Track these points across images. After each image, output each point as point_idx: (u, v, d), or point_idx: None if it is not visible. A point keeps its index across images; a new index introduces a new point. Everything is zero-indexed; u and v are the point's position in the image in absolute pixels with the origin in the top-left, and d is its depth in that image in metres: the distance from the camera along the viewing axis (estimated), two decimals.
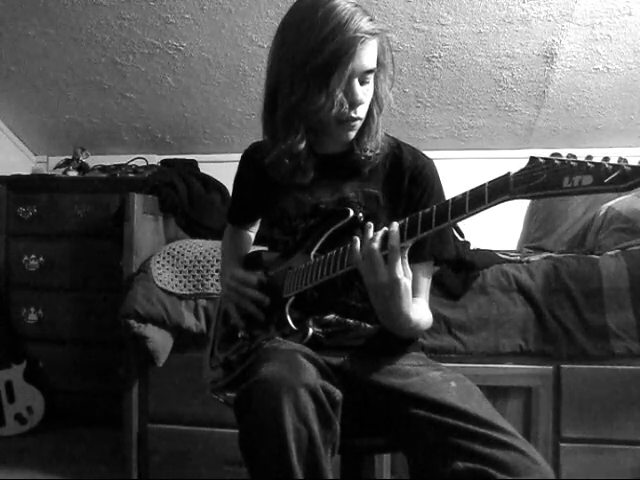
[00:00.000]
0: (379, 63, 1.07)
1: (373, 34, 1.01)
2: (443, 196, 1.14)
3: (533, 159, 0.78)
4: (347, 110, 1.04)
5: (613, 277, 1.73)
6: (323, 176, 1.14)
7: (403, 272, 0.91)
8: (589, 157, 0.73)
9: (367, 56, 1.02)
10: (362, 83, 1.05)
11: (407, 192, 1.13)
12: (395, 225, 0.91)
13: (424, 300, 1.16)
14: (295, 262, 1.10)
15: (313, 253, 1.08)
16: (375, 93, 1.09)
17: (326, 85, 1.00)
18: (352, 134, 1.10)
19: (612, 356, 1.71)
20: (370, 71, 1.04)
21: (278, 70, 1.07)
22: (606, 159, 0.71)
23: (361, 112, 1.07)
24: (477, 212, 0.83)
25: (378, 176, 1.15)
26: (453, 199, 0.87)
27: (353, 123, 1.07)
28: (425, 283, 1.17)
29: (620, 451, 1.72)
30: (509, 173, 0.80)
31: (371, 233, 0.93)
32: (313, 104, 1.02)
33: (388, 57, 1.09)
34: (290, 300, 1.06)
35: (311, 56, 1.00)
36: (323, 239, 1.08)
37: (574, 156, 0.74)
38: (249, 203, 1.30)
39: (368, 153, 1.11)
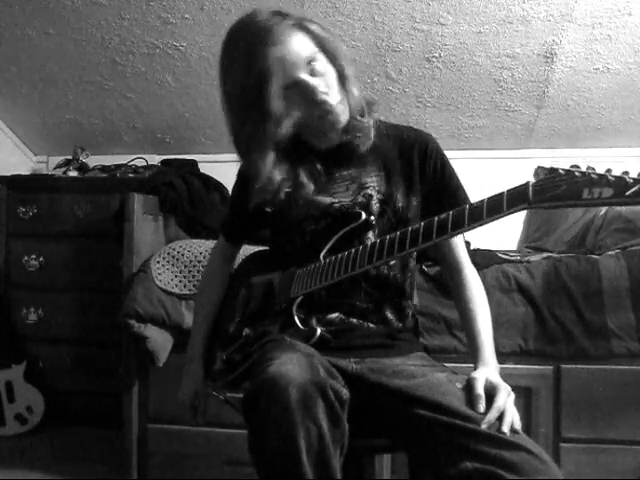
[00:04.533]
0: (318, 42, 1.05)
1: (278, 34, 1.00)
2: (452, 166, 1.17)
3: (553, 170, 0.78)
4: (316, 107, 1.04)
5: (613, 277, 1.73)
6: (333, 170, 1.15)
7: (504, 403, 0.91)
8: (609, 170, 0.74)
9: (290, 60, 1.01)
10: (314, 74, 1.03)
11: (420, 164, 1.15)
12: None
13: (469, 266, 1.16)
14: (303, 263, 1.09)
15: (323, 254, 1.07)
16: (336, 68, 1.07)
17: (262, 114, 1.02)
18: (340, 119, 1.07)
19: (612, 356, 1.71)
20: (310, 60, 1.03)
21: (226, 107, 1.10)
22: (626, 173, 0.72)
23: (332, 98, 1.05)
24: (494, 219, 0.84)
25: (385, 155, 1.15)
26: (470, 205, 0.87)
27: (333, 112, 1.05)
28: (464, 251, 1.17)
29: (620, 451, 1.72)
30: (528, 182, 0.81)
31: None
32: (256, 134, 1.05)
33: (321, 30, 1.07)
34: (298, 300, 1.06)
35: (236, 100, 1.05)
36: (333, 241, 1.08)
37: (593, 169, 0.75)
38: (249, 215, 1.24)
39: (360, 122, 1.09)
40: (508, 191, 0.83)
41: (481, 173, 2.64)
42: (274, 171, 1.08)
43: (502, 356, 1.75)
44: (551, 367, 1.75)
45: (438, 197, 1.15)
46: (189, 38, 2.28)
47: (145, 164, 2.73)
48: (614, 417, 1.72)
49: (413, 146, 1.15)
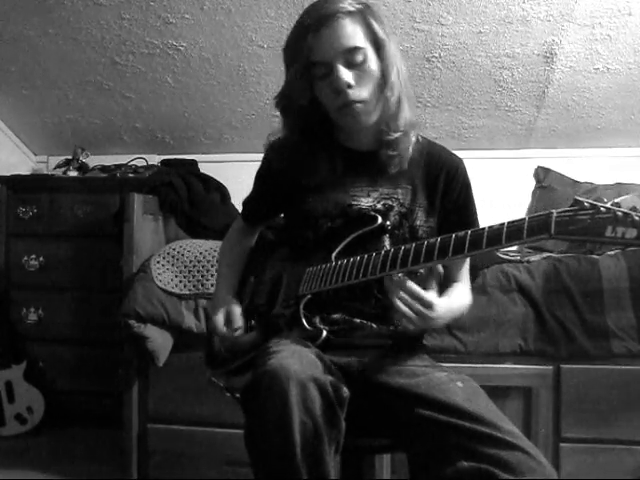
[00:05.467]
0: (371, 39, 1.04)
1: (331, 15, 1.01)
2: (473, 195, 1.19)
3: (577, 202, 0.77)
4: (337, 97, 1.04)
5: (613, 277, 1.73)
6: (358, 172, 1.14)
7: (437, 312, 0.96)
8: (634, 209, 0.73)
9: (333, 38, 1.01)
10: (350, 66, 1.03)
11: (444, 188, 1.15)
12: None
13: (465, 284, 1.19)
14: (314, 260, 1.09)
15: (334, 254, 1.07)
16: (382, 71, 1.05)
17: (289, 78, 1.07)
18: (360, 119, 1.07)
19: (612, 356, 1.71)
20: (353, 49, 1.02)
21: None
22: None
23: (355, 94, 1.04)
24: (513, 245, 0.84)
25: (414, 172, 1.15)
26: (490, 228, 0.86)
27: (351, 107, 1.05)
28: (465, 269, 1.20)
29: (620, 451, 1.72)
30: (552, 213, 0.80)
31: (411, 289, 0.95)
32: (282, 96, 1.10)
33: (381, 31, 1.05)
34: (305, 298, 1.06)
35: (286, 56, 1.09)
36: (347, 241, 1.08)
37: (619, 205, 0.75)
38: (271, 199, 1.25)
39: (395, 136, 1.08)
40: (530, 218, 0.82)
41: (481, 173, 2.63)
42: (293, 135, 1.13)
43: (502, 356, 1.77)
44: (551, 367, 1.75)
45: (452, 222, 1.14)
46: (189, 38, 2.28)
47: (145, 164, 2.73)
48: (614, 417, 1.72)
49: (442, 168, 1.16)
